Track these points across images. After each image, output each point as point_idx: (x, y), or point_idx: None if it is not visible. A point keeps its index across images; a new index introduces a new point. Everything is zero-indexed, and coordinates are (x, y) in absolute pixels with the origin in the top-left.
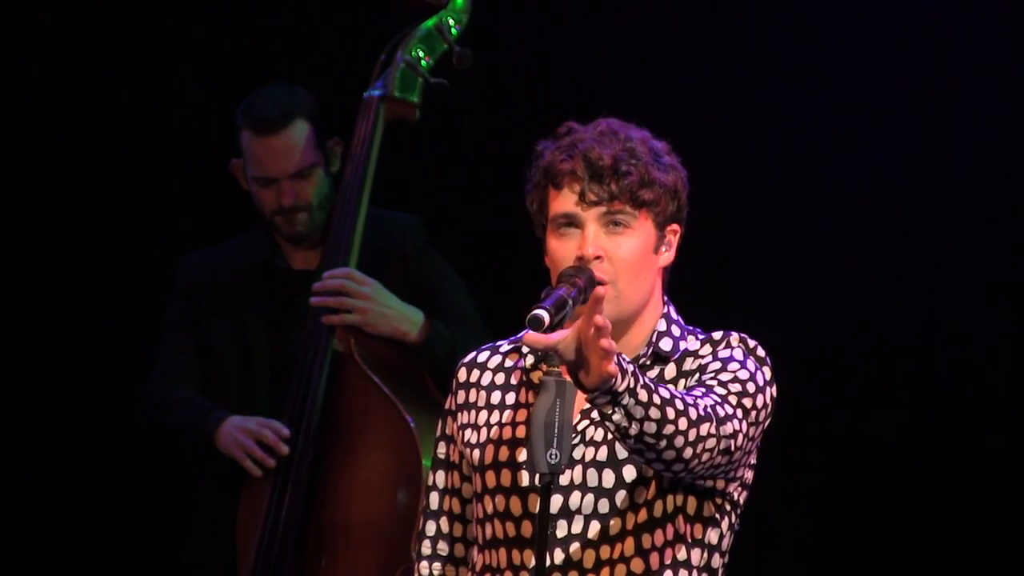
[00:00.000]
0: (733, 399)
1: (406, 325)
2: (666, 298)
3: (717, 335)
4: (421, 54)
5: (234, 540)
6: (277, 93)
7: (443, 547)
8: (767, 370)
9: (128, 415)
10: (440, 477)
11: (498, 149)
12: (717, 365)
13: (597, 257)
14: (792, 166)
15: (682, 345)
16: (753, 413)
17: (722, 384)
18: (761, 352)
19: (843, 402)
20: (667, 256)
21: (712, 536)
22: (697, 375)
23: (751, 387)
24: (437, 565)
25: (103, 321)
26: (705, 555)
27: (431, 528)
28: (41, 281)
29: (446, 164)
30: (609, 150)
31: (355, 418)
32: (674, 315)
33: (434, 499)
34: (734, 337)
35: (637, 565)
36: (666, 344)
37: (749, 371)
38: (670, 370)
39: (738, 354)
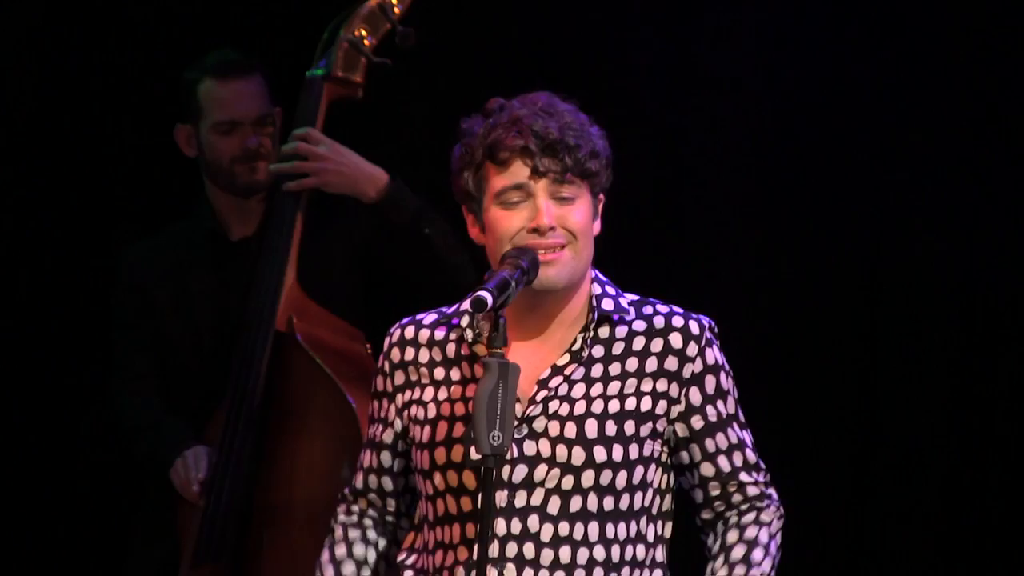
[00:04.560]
0: (756, 488)
1: (365, 183)
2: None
3: (694, 327)
4: (364, 33)
5: (176, 527)
6: (228, 51)
7: (374, 514)
8: (731, 375)
9: (72, 404)
10: (371, 457)
11: (440, 128)
12: (722, 440)
13: (551, 228)
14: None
15: (623, 303)
16: (754, 452)
17: (741, 477)
18: (719, 345)
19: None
20: (598, 224)
21: (667, 530)
22: (688, 397)
23: (747, 438)
24: (371, 512)
25: (48, 316)
26: (659, 551)
27: (363, 503)
28: None
29: (389, 143)
30: (554, 123)
31: (297, 399)
32: (602, 277)
33: (359, 479)
34: (709, 337)
35: (599, 552)
36: (608, 304)
37: (739, 420)
38: (638, 342)
39: (724, 381)
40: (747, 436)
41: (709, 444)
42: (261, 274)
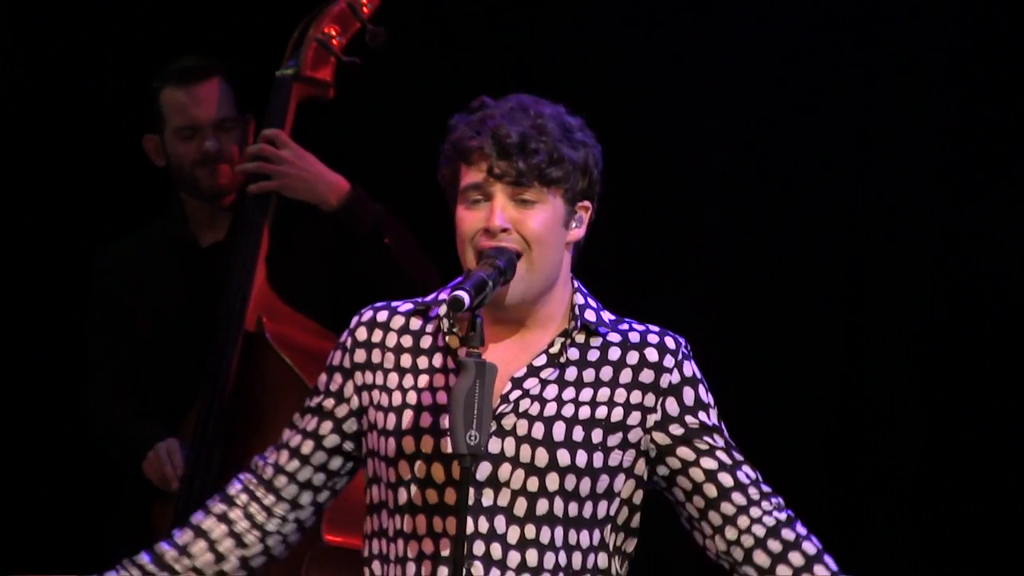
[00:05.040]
0: (750, 474)
1: (325, 190)
2: (572, 275)
3: (670, 343)
4: (333, 32)
5: (152, 528)
6: (195, 56)
7: (269, 472)
8: (710, 392)
9: (47, 406)
10: (308, 421)
11: (411, 127)
12: (714, 440)
13: (504, 229)
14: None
15: (604, 317)
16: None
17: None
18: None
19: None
20: (577, 232)
21: (630, 545)
22: (679, 413)
23: (727, 438)
24: (253, 481)
25: (22, 316)
26: (621, 563)
27: (273, 456)
28: None
29: (359, 142)
30: (518, 127)
31: (267, 398)
32: (584, 290)
33: (288, 435)
34: (686, 352)
35: (563, 558)
36: (590, 315)
37: (725, 433)
38: (613, 352)
39: (704, 394)
40: (735, 452)
41: (685, 452)
42: (231, 275)
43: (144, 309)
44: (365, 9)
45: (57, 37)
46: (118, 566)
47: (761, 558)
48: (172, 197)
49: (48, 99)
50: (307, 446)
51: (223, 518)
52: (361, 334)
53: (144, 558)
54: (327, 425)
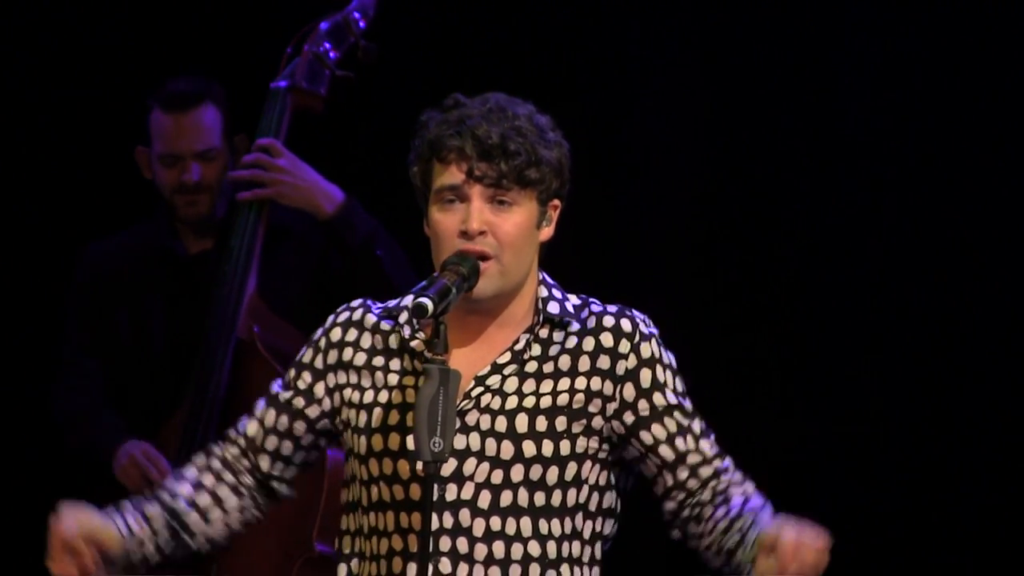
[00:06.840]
0: (715, 454)
1: (320, 199)
2: (539, 269)
3: (626, 325)
4: (328, 47)
5: None
6: (191, 78)
7: (234, 453)
8: (673, 357)
9: (29, 408)
10: (270, 415)
11: (399, 141)
12: (673, 422)
13: (481, 232)
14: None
15: (568, 307)
16: (705, 426)
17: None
18: (657, 334)
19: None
20: (547, 231)
21: (607, 527)
22: (636, 396)
23: (696, 426)
24: (238, 456)
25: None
26: (598, 547)
27: (233, 450)
28: None
29: (350, 155)
30: (497, 128)
31: None
32: (549, 280)
33: (253, 428)
34: (644, 332)
35: (534, 548)
36: (553, 307)
37: (684, 409)
38: (571, 341)
39: (661, 373)
40: (696, 425)
41: (646, 436)
42: (223, 282)
43: (127, 312)
44: (360, 25)
45: (55, 42)
46: (134, 509)
47: (695, 527)
48: (161, 201)
49: (43, 102)
50: (271, 442)
51: (235, 490)
52: (335, 334)
53: (166, 514)
54: (300, 425)
